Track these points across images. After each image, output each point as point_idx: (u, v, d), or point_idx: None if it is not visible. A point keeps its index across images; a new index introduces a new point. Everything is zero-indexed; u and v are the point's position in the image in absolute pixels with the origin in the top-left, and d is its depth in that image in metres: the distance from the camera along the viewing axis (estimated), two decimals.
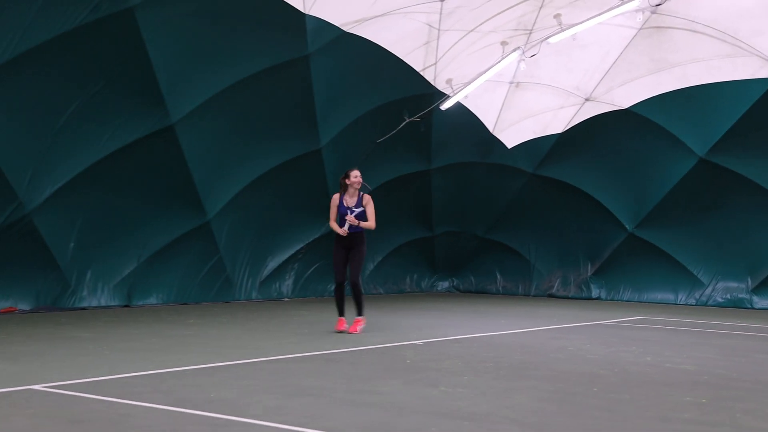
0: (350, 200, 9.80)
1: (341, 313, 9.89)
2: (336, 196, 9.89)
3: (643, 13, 13.50)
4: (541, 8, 13.39)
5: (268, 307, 13.37)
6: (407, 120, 15.28)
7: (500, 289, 18.91)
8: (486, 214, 18.48)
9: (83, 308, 11.90)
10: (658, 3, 13.30)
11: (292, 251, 15.27)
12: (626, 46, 14.67)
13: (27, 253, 11.20)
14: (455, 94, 15.01)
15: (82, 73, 10.51)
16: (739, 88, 14.48)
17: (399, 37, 13.41)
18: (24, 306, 11.37)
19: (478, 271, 19.24)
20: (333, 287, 10.23)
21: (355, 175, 9.77)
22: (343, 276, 9.87)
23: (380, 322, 11.29)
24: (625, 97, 15.67)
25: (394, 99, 14.82)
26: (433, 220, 18.14)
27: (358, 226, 9.69)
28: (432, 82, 14.87)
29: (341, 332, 9.59)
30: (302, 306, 13.91)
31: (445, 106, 15.30)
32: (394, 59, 13.82)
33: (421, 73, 14.52)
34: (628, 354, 8.30)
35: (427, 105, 15.25)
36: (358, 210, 9.72)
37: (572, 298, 17.68)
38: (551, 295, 18.06)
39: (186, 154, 12.19)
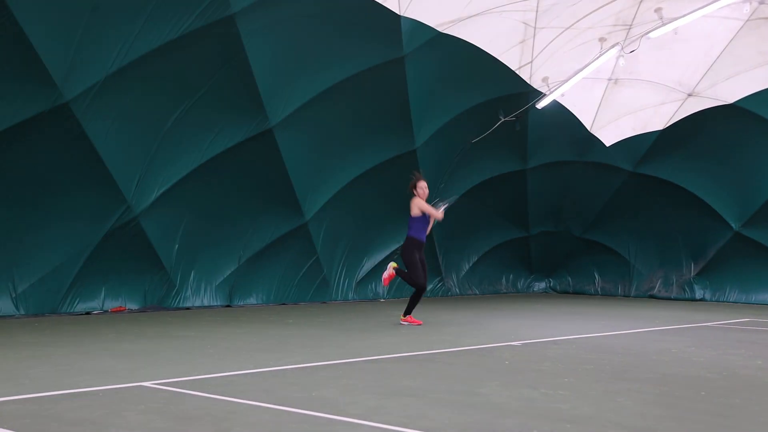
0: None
1: (410, 313, 10.57)
2: (419, 200, 10.44)
3: (751, 3, 12.99)
4: (641, 3, 13.05)
5: (364, 308, 13.48)
6: (503, 119, 15.15)
7: (599, 290, 18.54)
8: (583, 214, 18.15)
9: (187, 308, 12.27)
10: None
11: (387, 251, 15.35)
12: (732, 39, 14.14)
13: (135, 255, 11.63)
14: (551, 93, 14.80)
15: (185, 79, 10.85)
16: None
17: (494, 36, 13.30)
18: (133, 305, 11.81)
19: (575, 271, 18.92)
20: (418, 291, 10.62)
21: (423, 186, 10.40)
22: (426, 280, 10.49)
23: (476, 322, 11.23)
24: (730, 92, 15.12)
25: (489, 98, 14.72)
26: (529, 220, 17.93)
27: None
28: (528, 81, 14.69)
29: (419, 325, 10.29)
30: (398, 306, 13.94)
31: (541, 104, 15.10)
32: (489, 58, 13.72)
33: (517, 72, 14.36)
34: (736, 357, 7.99)
35: (523, 104, 15.09)
36: (427, 218, 10.45)
37: (675, 299, 17.18)
38: (652, 296, 17.60)
39: (284, 156, 12.42)
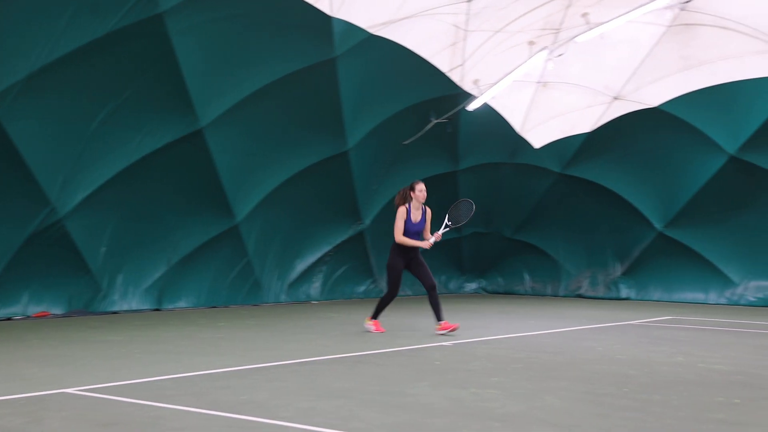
0: (416, 213, 9.57)
1: (377, 317, 9.93)
2: (403, 209, 9.56)
3: (672, 10, 13.37)
4: (568, 7, 13.32)
5: (296, 310, 13.43)
6: (434, 121, 15.28)
7: (528, 289, 18.83)
8: (514, 215, 18.42)
9: (115, 312, 12.03)
10: (686, 0, 13.16)
11: (320, 254, 15.33)
12: (655, 44, 14.53)
13: (59, 258, 11.36)
14: (482, 95, 14.97)
15: (112, 79, 10.64)
16: None
17: (426, 39, 13.40)
18: (57, 311, 11.52)
19: (506, 272, 19.19)
20: (384, 293, 10.00)
21: (420, 189, 9.53)
22: (398, 290, 9.79)
23: (408, 324, 11.30)
24: (654, 96, 15.53)
25: (420, 100, 14.82)
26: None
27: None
28: (459, 83, 14.84)
29: (380, 333, 9.69)
30: (330, 308, 13.94)
31: (472, 107, 15.26)
32: (420, 61, 13.82)
33: (448, 75, 14.49)
34: (659, 354, 8.23)
35: (454, 106, 15.23)
36: (423, 226, 9.67)
37: (601, 298, 17.56)
38: (580, 296, 17.96)
39: (215, 158, 12.28)
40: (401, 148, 15.37)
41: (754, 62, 14.15)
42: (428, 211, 9.72)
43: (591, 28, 13.19)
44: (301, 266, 15.14)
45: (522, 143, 17.02)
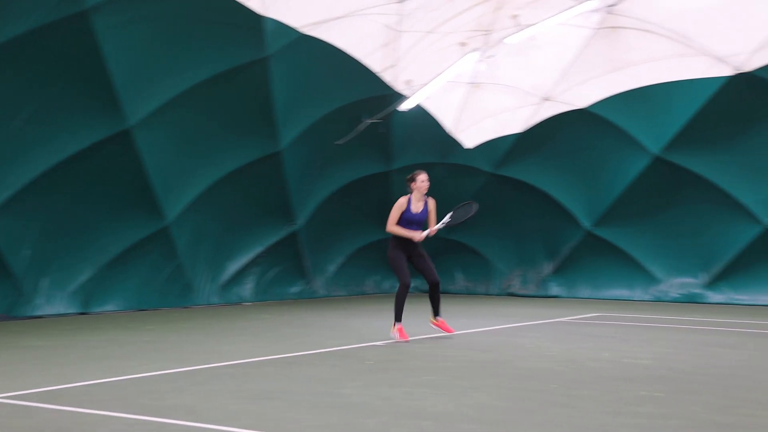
0: (417, 205, 9.26)
1: (401, 318, 9.17)
2: (404, 200, 9.26)
3: (599, 13, 13.65)
4: (498, 9, 13.48)
5: (228, 312, 13.29)
6: (367, 121, 15.30)
7: (461, 288, 19.00)
8: (446, 215, 18.52)
9: (39, 317, 11.71)
10: (612, 4, 13.46)
11: (252, 255, 15.19)
12: (582, 47, 14.82)
13: None
14: (414, 96, 15.05)
15: (35, 77, 10.36)
16: (691, 87, 14.72)
17: (358, 39, 13.41)
18: None
19: (438, 271, 19.21)
20: (400, 290, 9.24)
21: (423, 180, 9.22)
22: (410, 277, 9.26)
23: (342, 324, 11.28)
24: (582, 97, 15.84)
25: (353, 101, 14.82)
26: None
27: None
28: (391, 84, 14.89)
29: (407, 342, 8.97)
30: (263, 310, 13.84)
31: (405, 107, 15.33)
32: (352, 61, 13.82)
33: (380, 75, 14.53)
34: (585, 350, 8.39)
35: (387, 106, 15.28)
36: (424, 216, 9.32)
37: (532, 296, 17.83)
38: (511, 294, 18.19)
39: (144, 158, 12.06)
40: (334, 148, 15.34)
41: (676, 65, 14.54)
42: (431, 201, 9.43)
43: (521, 30, 13.39)
44: (233, 268, 14.98)
45: (454, 143, 17.17)
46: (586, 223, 17.08)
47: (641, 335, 10.01)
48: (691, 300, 16.17)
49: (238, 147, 13.56)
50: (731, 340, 9.57)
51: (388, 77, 14.68)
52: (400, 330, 9.12)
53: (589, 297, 17.29)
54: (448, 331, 9.55)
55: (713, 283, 16.13)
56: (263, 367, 7.04)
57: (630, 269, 16.91)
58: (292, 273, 16.32)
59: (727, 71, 14.26)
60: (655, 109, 15.29)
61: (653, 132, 15.60)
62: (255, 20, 11.74)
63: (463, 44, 14.22)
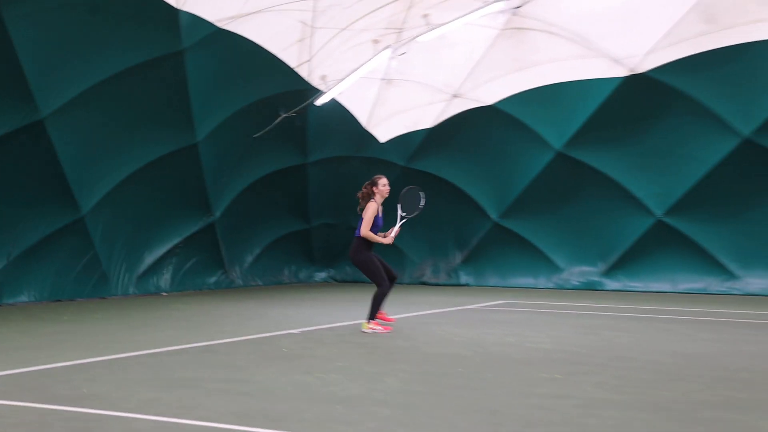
0: (379, 209, 9.10)
1: (375, 317, 8.98)
2: (374, 205, 9.01)
3: (505, 14, 13.90)
4: (409, 8, 13.57)
5: (145, 302, 13.02)
6: (283, 115, 15.20)
7: None
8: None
9: None
10: (518, 5, 13.72)
11: (169, 245, 14.92)
12: (490, 46, 15.07)
13: None
14: (329, 90, 15.03)
15: None
16: (591, 86, 15.16)
17: (273, 34, 13.30)
18: None
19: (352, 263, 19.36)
20: (380, 291, 8.97)
21: (384, 183, 9.09)
22: (386, 279, 9.04)
23: (258, 313, 11.21)
24: (489, 94, 16.11)
25: (270, 95, 14.70)
26: (310, 213, 18.13)
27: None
28: (306, 79, 14.82)
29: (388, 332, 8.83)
30: (180, 300, 13.62)
31: (320, 101, 15.30)
32: (268, 56, 13.69)
33: (296, 70, 14.45)
34: (491, 335, 8.57)
35: (303, 100, 15.20)
36: (382, 219, 9.14)
37: (443, 285, 18.06)
38: (423, 283, 18.39)
39: (57, 149, 11.68)
40: (251, 141, 15.19)
41: (577, 65, 14.93)
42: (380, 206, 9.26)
43: (431, 29, 13.51)
44: (150, 258, 14.67)
45: (368, 137, 17.23)
46: (493, 214, 17.39)
47: (543, 321, 10.28)
48: (590, 287, 16.67)
49: (154, 139, 13.28)
50: (624, 325, 9.91)
51: (303, 72, 14.61)
52: (377, 324, 8.92)
53: (496, 285, 17.62)
54: (387, 330, 9.23)
55: (610, 272, 16.66)
56: (178, 356, 6.94)
57: (534, 259, 17.30)
58: (209, 263, 16.11)
59: (622, 72, 14.73)
60: (558, 107, 15.68)
61: (556, 128, 16.00)
62: (171, 14, 11.50)
63: (376, 41, 14.27)
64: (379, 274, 8.97)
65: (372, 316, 8.93)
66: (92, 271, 13.37)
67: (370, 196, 9.09)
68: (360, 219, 9.09)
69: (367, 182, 9.18)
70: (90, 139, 12.24)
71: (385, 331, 8.88)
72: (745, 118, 14.48)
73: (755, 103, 14.31)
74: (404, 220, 9.37)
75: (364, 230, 9.00)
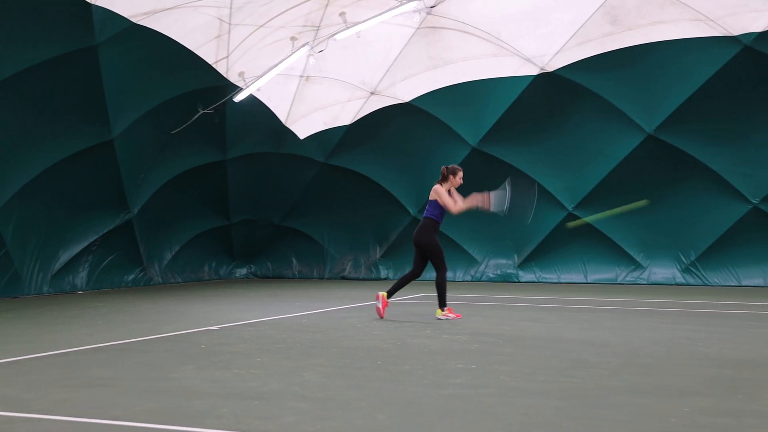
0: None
1: (446, 302, 9.47)
2: (441, 187, 9.44)
3: (420, 14, 13.98)
4: (327, 6, 13.50)
5: (60, 301, 12.60)
6: (201, 111, 14.93)
7: (296, 273, 18.99)
8: (281, 202, 18.48)
9: None
10: (432, 5, 13.82)
11: (86, 243, 14.48)
12: (406, 44, 15.14)
13: None
14: (247, 87, 14.84)
15: None
16: (504, 84, 15.41)
17: (190, 30, 13.03)
18: None
19: (274, 257, 19.22)
20: (442, 276, 9.51)
21: (461, 177, 9.54)
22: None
23: (178, 310, 10.98)
24: (406, 92, 16.19)
25: (187, 91, 14.42)
26: (230, 209, 17.88)
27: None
28: (225, 75, 14.60)
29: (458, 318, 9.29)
30: (97, 298, 13.23)
31: (239, 98, 15.09)
32: (186, 52, 13.42)
33: (214, 66, 14.21)
34: (409, 328, 8.61)
35: (221, 97, 14.97)
36: None
37: (363, 279, 18.08)
38: (344, 278, 18.37)
39: None
40: (169, 137, 14.87)
41: (490, 64, 15.15)
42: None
43: (348, 27, 13.49)
44: (65, 256, 14.22)
45: (288, 134, 17.09)
46: (412, 209, 17.49)
47: (460, 313, 10.37)
48: (505, 279, 16.96)
49: (69, 135, 12.87)
50: (538, 315, 10.11)
51: (221, 68, 14.38)
52: (449, 310, 9.41)
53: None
54: (380, 314, 9.65)
55: (524, 264, 16.99)
56: (94, 355, 6.73)
57: (452, 252, 17.45)
58: (127, 261, 15.71)
59: (534, 71, 15.01)
60: (472, 104, 15.88)
61: (471, 125, 16.20)
62: (84, 8, 11.14)
63: (293, 38, 14.15)
64: (442, 258, 9.39)
65: (443, 302, 9.35)
66: (4, 270, 12.88)
67: (445, 179, 9.47)
68: (429, 202, 9.47)
69: (447, 166, 9.57)
70: (1, 135, 11.76)
71: (457, 317, 9.32)
72: (649, 116, 14.97)
73: (657, 100, 14.80)
74: (501, 195, 9.46)
75: (452, 206, 9.34)
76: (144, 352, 6.93)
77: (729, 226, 15.28)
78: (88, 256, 14.75)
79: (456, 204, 9.46)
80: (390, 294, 9.69)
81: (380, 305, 9.62)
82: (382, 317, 9.60)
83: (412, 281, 9.83)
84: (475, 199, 9.38)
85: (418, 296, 13.30)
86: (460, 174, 9.56)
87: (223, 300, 12.77)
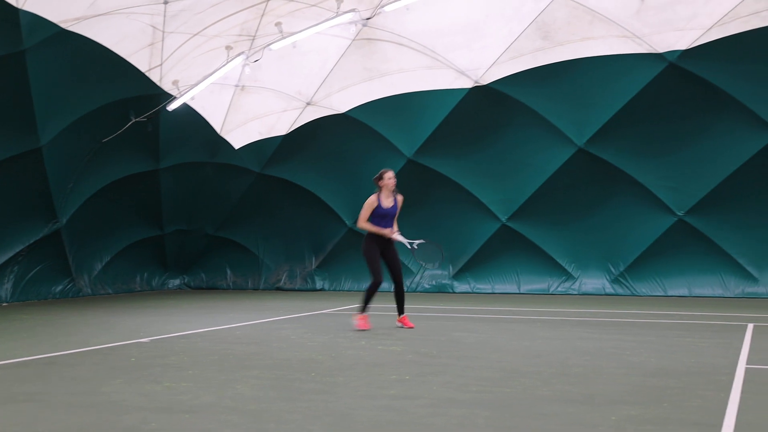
0: (386, 201, 9.43)
1: (365, 310, 9.39)
2: (374, 198, 9.42)
3: (356, 25, 14.03)
4: (262, 16, 13.43)
5: None
6: (133, 120, 14.66)
7: (231, 284, 18.76)
8: (215, 213, 18.26)
9: None
10: (368, 17, 13.88)
11: (11, 253, 14.03)
12: (342, 56, 15.16)
13: None
14: (181, 96, 14.64)
15: None
16: (439, 96, 15.55)
17: (122, 37, 12.80)
18: None
19: (208, 267, 18.96)
20: (367, 285, 9.51)
21: (390, 177, 9.40)
22: (382, 275, 9.42)
23: (108, 322, 10.71)
24: (341, 102, 16.20)
25: (120, 98, 14.14)
26: (163, 219, 17.57)
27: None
28: (158, 83, 14.37)
29: (366, 330, 9.12)
30: (22, 310, 12.83)
31: (172, 107, 14.87)
32: (117, 59, 13.17)
33: (147, 74, 13.97)
34: (344, 340, 8.58)
35: (154, 105, 14.73)
36: (395, 211, 9.43)
37: (299, 290, 17.97)
38: (279, 288, 18.23)
39: None
40: (100, 145, 14.55)
41: (425, 76, 15.28)
42: (400, 198, 9.58)
43: (284, 37, 13.45)
44: None
45: (222, 143, 16.91)
46: (347, 220, 17.48)
47: (394, 324, 10.39)
48: (440, 290, 17.06)
49: None
50: (472, 325, 10.20)
51: (155, 76, 14.16)
52: (361, 319, 9.38)
53: (351, 290, 17.71)
54: (409, 326, 9.66)
55: (459, 275, 17.12)
56: (18, 369, 6.51)
57: None
58: (55, 272, 15.27)
59: (468, 83, 15.21)
60: (408, 116, 15.98)
61: (406, 136, 16.29)
62: (11, 12, 10.83)
63: (229, 48, 14.04)
64: (372, 267, 9.39)
65: (361, 308, 9.34)
66: None
67: (377, 188, 9.47)
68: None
69: (375, 176, 9.51)
70: None
71: (363, 328, 9.24)
72: (579, 129, 15.29)
73: (587, 115, 15.14)
74: (410, 247, 9.69)
75: (360, 221, 9.49)
76: (72, 365, 6.74)
77: (656, 238, 15.68)
78: (13, 267, 14.29)
79: (363, 220, 9.51)
80: (362, 309, 9.60)
81: (359, 324, 9.45)
82: (368, 328, 9.51)
83: (397, 284, 9.81)
84: (383, 230, 9.45)
85: (354, 307, 13.28)
86: (387, 174, 9.50)
87: (155, 311, 12.52)
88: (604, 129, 15.05)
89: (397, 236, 9.52)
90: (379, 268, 9.49)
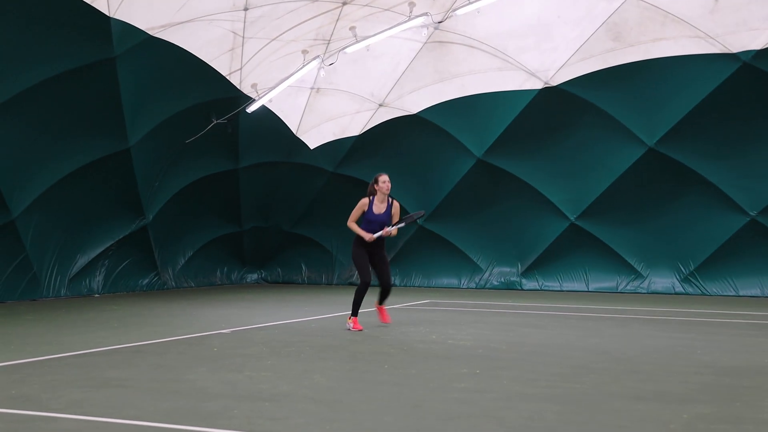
0: (380, 206, 8.97)
1: (357, 313, 9.07)
2: (365, 201, 8.99)
3: (428, 29, 14.02)
4: (337, 20, 13.55)
5: (77, 304, 12.64)
6: (215, 122, 14.98)
7: (305, 279, 18.99)
8: (291, 210, 18.51)
9: None
10: (440, 21, 13.85)
11: (102, 248, 14.53)
12: (413, 58, 15.17)
13: None
14: (260, 98, 14.89)
15: None
16: (509, 97, 15.41)
17: (205, 43, 13.09)
18: None
19: (284, 263, 19.24)
20: (359, 286, 9.14)
21: (384, 180, 8.95)
22: (370, 276, 9.06)
23: (191, 313, 11.00)
24: (413, 104, 16.21)
25: (201, 101, 14.46)
26: (241, 217, 17.91)
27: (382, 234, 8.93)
28: (238, 86, 14.65)
29: (361, 331, 8.84)
30: (113, 301, 13.27)
31: (251, 109, 15.13)
32: (200, 63, 13.48)
33: (227, 78, 14.26)
34: (416, 333, 8.61)
35: (234, 108, 15.02)
36: (384, 218, 8.95)
37: (371, 286, 18.03)
38: (352, 284, 18.36)
39: None
40: (183, 146, 14.93)
41: (495, 77, 15.16)
42: (395, 204, 9.14)
43: (358, 41, 13.53)
44: (82, 260, 14.27)
45: (298, 144, 17.13)
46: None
47: (465, 319, 10.38)
48: (509, 287, 16.93)
49: (87, 143, 12.92)
50: (540, 322, 10.10)
51: (235, 80, 14.44)
52: (354, 321, 9.01)
53: (421, 285, 17.73)
54: (385, 321, 9.45)
55: (527, 272, 16.96)
56: (109, 357, 6.75)
57: (457, 260, 17.48)
58: (142, 265, 15.75)
59: (538, 85, 15.03)
60: (478, 117, 15.89)
61: (476, 137, 16.20)
62: (103, 21, 11.21)
63: (305, 52, 14.20)
64: (360, 269, 9.08)
65: (353, 311, 9.05)
66: (23, 273, 12.93)
67: (371, 192, 9.05)
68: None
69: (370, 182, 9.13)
70: (20, 143, 11.85)
71: (355, 329, 8.89)
72: (649, 129, 14.95)
73: (658, 115, 14.79)
74: (399, 225, 9.10)
75: (348, 221, 9.12)
76: (158, 354, 6.95)
77: (727, 238, 15.23)
78: (104, 261, 14.80)
79: (350, 220, 9.09)
80: (354, 313, 9.11)
81: (354, 326, 8.99)
82: (388, 322, 9.54)
83: (384, 288, 9.33)
84: (364, 234, 8.91)
85: (424, 302, 13.30)
86: (381, 178, 9.00)
87: (234, 304, 12.79)
88: (675, 129, 14.68)
89: (386, 230, 8.92)
90: (367, 268, 9.05)
